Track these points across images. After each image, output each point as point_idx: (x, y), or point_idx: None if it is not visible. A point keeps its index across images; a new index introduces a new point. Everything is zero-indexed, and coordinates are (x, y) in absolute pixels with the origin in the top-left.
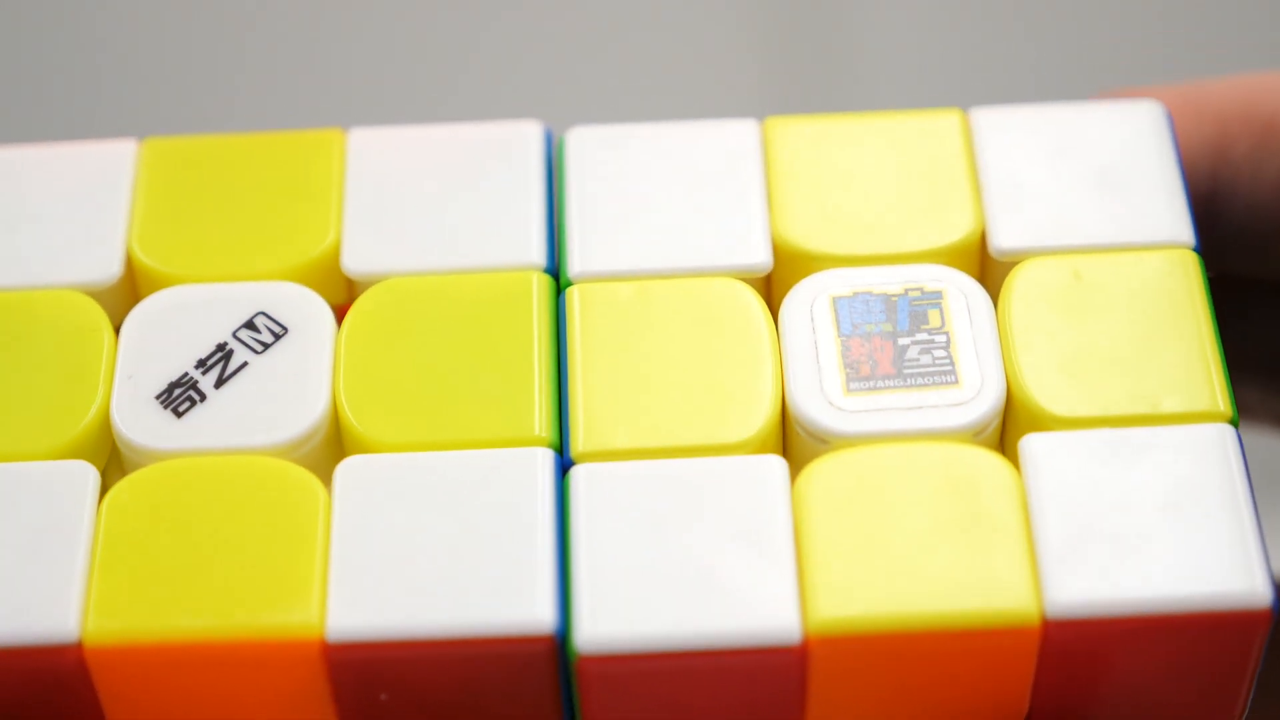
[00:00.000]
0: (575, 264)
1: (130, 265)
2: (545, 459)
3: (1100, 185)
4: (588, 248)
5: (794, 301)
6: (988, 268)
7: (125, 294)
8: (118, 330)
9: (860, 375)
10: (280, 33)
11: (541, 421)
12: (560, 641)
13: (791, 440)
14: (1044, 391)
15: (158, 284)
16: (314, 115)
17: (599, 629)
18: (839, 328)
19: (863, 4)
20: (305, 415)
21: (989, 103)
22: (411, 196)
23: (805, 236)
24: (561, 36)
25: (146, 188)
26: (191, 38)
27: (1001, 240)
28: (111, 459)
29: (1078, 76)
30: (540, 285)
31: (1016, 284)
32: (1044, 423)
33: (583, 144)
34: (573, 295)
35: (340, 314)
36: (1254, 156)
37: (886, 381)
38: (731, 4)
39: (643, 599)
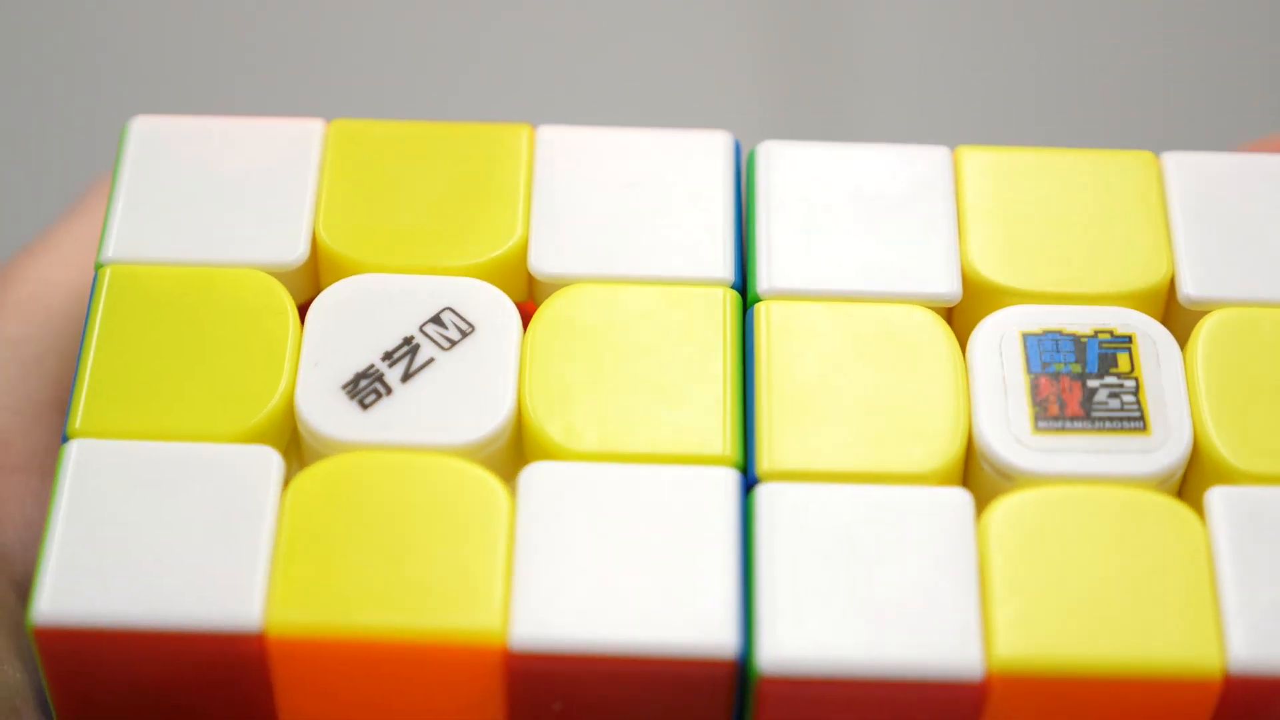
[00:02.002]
0: (764, 281)
1: (314, 248)
2: (730, 479)
3: None
4: (777, 265)
5: (983, 335)
6: (1174, 314)
7: (307, 276)
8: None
9: (1049, 415)
10: (277, 24)
11: (727, 440)
12: (740, 663)
13: (972, 473)
14: (1231, 444)
15: (341, 269)
16: (313, 107)
17: (782, 651)
18: (1028, 365)
19: (864, 9)
20: (492, 417)
21: (989, 104)
22: (599, 200)
23: (993, 270)
24: (559, 37)
25: (333, 170)
26: (183, 25)
27: (1190, 289)
28: (290, 444)
29: (1083, 87)
30: (729, 302)
31: (1205, 334)
32: (1230, 476)
33: (773, 158)
34: (761, 312)
35: (521, 312)
36: None
37: (1075, 423)
38: (731, 8)
39: (827, 623)
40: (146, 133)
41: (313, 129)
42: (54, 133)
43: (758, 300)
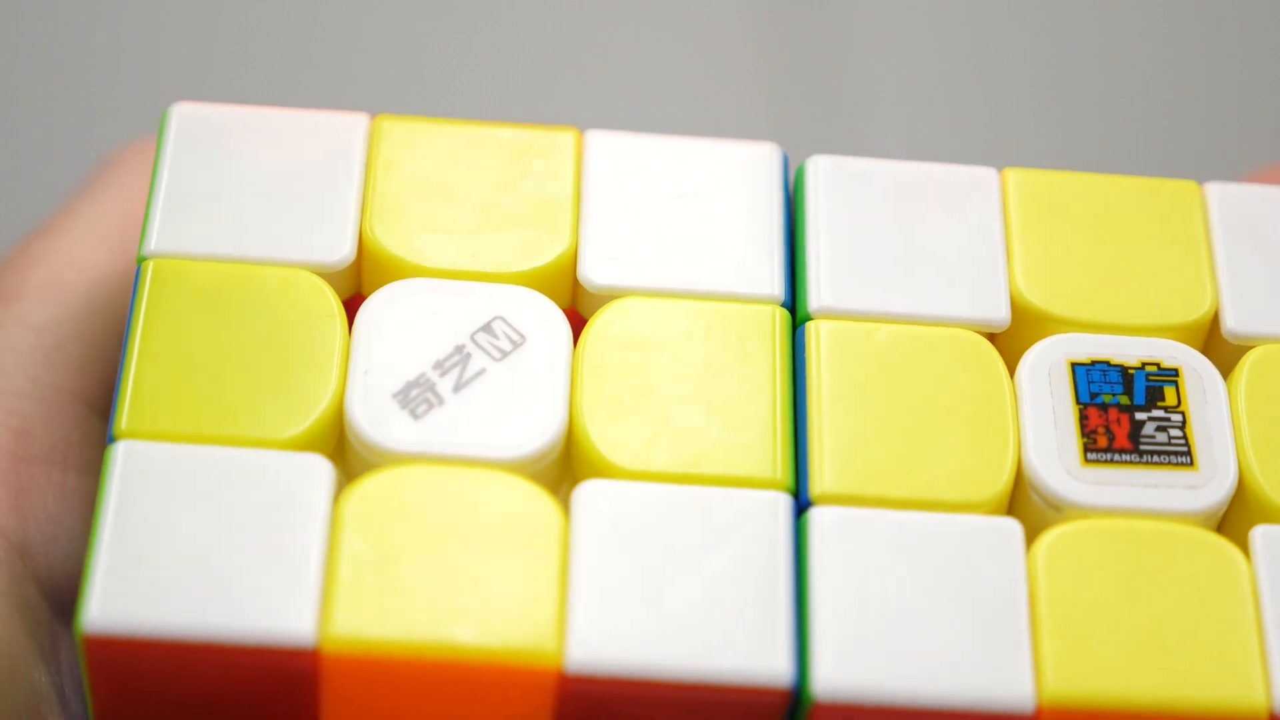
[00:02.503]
0: (814, 299)
1: (361, 247)
2: (783, 504)
3: None
4: (827, 283)
5: (1031, 362)
6: (1216, 347)
7: (350, 275)
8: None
9: (1098, 446)
10: (303, 17)
11: (780, 464)
12: (794, 691)
13: (1018, 502)
14: (1275, 482)
15: (387, 270)
16: (333, 101)
17: (837, 678)
18: (1076, 395)
19: (868, 13)
20: (544, 432)
21: (988, 103)
22: (648, 210)
23: (1042, 296)
24: (558, 37)
25: (379, 167)
26: (195, 15)
27: (1234, 323)
28: (335, 451)
29: (1088, 91)
30: (779, 320)
31: (1249, 369)
32: (1274, 514)
33: (821, 173)
34: (813, 331)
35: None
36: None
37: (1123, 456)
38: (733, 9)
39: (879, 650)
40: (187, 120)
41: (357, 123)
42: (58, 121)
43: (808, 319)
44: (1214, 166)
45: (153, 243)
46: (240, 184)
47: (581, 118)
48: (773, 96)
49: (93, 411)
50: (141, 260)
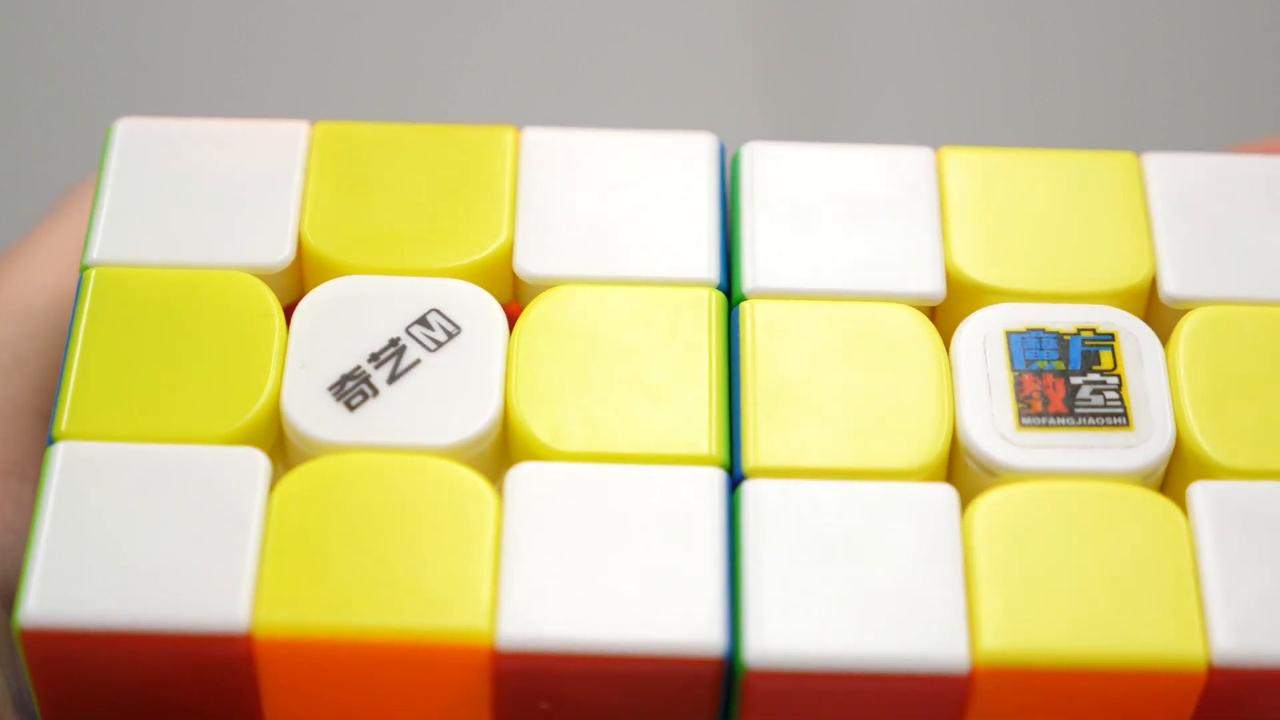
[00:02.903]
0: (749, 280)
1: (300, 250)
2: (716, 479)
3: (1272, 234)
4: (761, 265)
5: (967, 333)
6: (1156, 312)
7: (292, 278)
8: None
9: (1032, 411)
10: (263, 26)
11: (713, 440)
12: (727, 660)
13: (956, 470)
14: (1213, 440)
15: (326, 271)
16: (298, 109)
17: (769, 645)
18: (1011, 362)
19: (859, 9)
20: (478, 418)
21: (990, 100)
22: (584, 201)
23: (977, 268)
24: (555, 37)
25: (318, 172)
26: (167, 28)
27: (1172, 287)
28: (275, 447)
29: (1078, 87)
30: (714, 302)
31: (1186, 331)
32: (1212, 471)
33: (756, 159)
34: (746, 311)
35: (506, 314)
36: None
37: (1058, 419)
38: (727, 7)
39: (812, 618)
40: (131, 134)
41: (298, 130)
42: (34, 137)
43: (743, 300)
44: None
45: (95, 252)
46: (182, 193)
47: (582, 116)
48: (769, 96)
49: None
50: (84, 269)
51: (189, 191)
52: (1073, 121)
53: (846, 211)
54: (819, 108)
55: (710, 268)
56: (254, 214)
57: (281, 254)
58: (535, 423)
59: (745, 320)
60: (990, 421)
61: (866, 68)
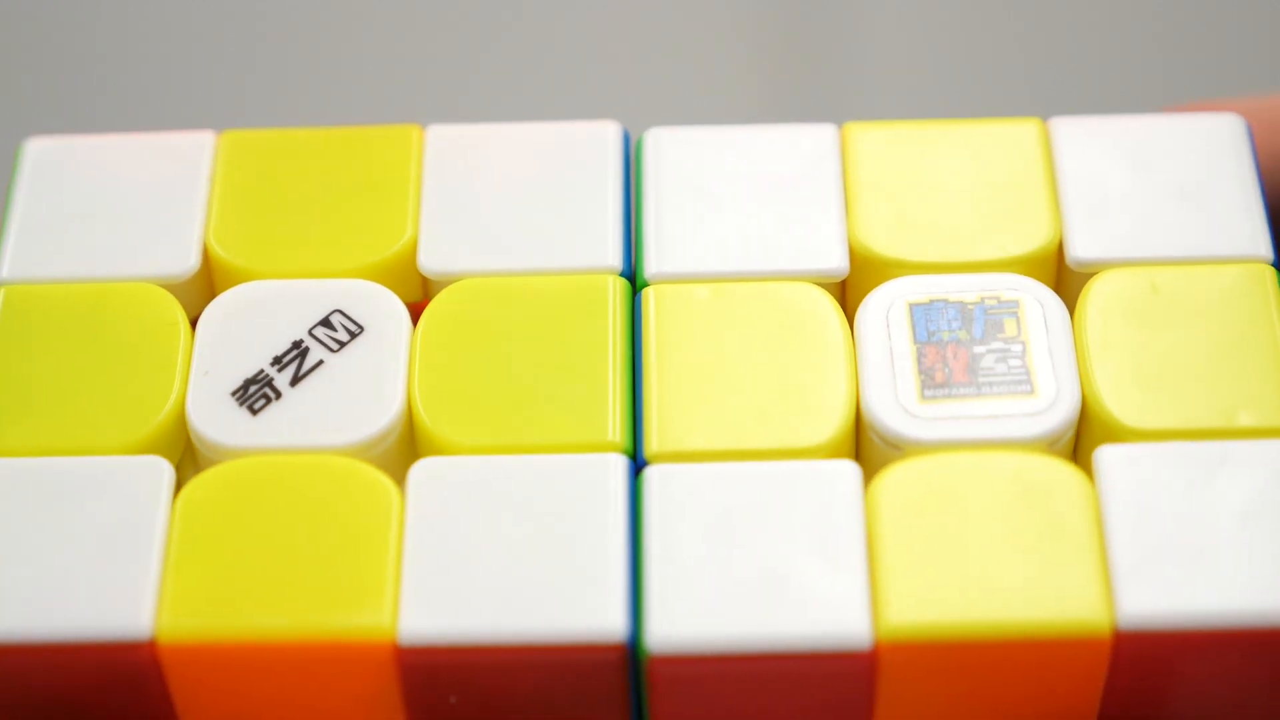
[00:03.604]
0: (652, 265)
1: (207, 259)
2: (619, 465)
3: (1179, 198)
4: (664, 249)
5: (870, 307)
6: (1064, 278)
7: (200, 287)
8: (193, 324)
9: (935, 382)
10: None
11: (616, 427)
12: (631, 645)
13: (864, 446)
14: (1119, 403)
15: (234, 278)
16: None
17: (671, 630)
18: (914, 334)
19: (864, 7)
20: (380, 416)
21: (988, 92)
22: (488, 195)
23: (882, 243)
24: (553, 36)
25: (224, 181)
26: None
27: (1079, 251)
28: (185, 454)
29: (1084, 81)
30: (616, 289)
31: (1093, 295)
32: (1119, 434)
33: (660, 145)
34: (648, 296)
35: (415, 312)
36: None
37: (961, 389)
38: (722, 5)
39: (715, 601)
40: (41, 154)
41: (204, 141)
42: None
43: (645, 285)
44: None
45: (4, 271)
46: (91, 208)
47: (579, 115)
48: (768, 86)
49: None
50: None
51: (98, 206)
52: (1071, 107)
53: (750, 192)
54: (815, 103)
55: (614, 255)
56: (161, 225)
57: (187, 263)
58: (437, 418)
59: (647, 306)
60: (893, 395)
61: (860, 59)
